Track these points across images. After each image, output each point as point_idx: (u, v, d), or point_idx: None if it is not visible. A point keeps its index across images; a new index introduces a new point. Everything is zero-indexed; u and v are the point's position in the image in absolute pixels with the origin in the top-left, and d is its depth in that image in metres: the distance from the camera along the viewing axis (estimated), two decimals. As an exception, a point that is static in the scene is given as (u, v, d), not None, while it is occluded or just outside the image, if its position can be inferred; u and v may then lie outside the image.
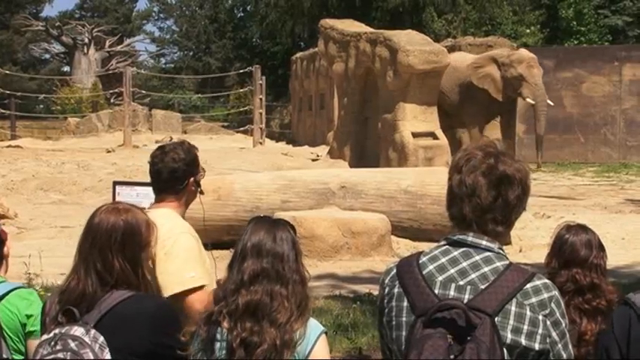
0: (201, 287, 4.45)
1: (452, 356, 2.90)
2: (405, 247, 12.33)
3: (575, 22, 38.90)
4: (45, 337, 3.46)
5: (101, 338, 3.42)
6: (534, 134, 26.63)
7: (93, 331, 3.44)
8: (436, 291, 3.10)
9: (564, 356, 3.12)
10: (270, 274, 3.47)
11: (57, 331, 3.45)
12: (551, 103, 23.21)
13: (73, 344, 3.39)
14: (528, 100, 22.45)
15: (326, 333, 3.54)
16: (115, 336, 3.45)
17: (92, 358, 3.37)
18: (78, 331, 3.44)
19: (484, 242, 3.16)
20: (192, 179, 4.85)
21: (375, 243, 12.10)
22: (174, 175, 4.80)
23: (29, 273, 9.42)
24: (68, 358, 3.36)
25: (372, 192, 13.25)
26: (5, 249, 4.48)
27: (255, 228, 3.56)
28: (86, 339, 3.41)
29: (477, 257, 3.15)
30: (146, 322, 3.53)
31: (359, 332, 7.60)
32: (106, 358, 3.40)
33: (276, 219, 3.66)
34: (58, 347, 3.39)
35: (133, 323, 3.53)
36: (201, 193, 5.01)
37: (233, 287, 3.46)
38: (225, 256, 3.82)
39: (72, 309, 3.50)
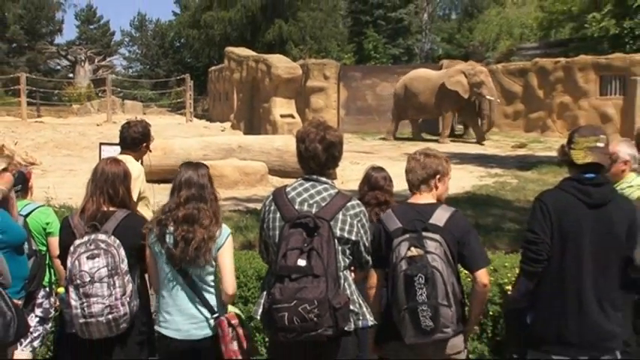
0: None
1: (305, 244, 2.95)
2: (277, 182, 12.28)
3: (373, 52, 39.43)
4: (79, 241, 3.39)
5: (117, 241, 3.40)
6: (354, 115, 26.74)
7: (112, 237, 3.40)
8: (296, 207, 3.14)
9: (367, 244, 3.19)
10: (197, 197, 3.41)
11: (88, 237, 3.39)
12: (499, 101, 21.71)
13: (102, 245, 3.36)
14: (488, 97, 20.76)
15: (231, 234, 3.50)
16: (122, 239, 3.42)
17: (115, 252, 3.35)
18: (102, 237, 3.39)
19: (323, 179, 3.22)
20: (144, 144, 4.79)
21: (259, 179, 12.08)
22: (135, 141, 4.77)
23: (48, 197, 9.00)
24: (102, 253, 3.33)
25: (257, 149, 13.15)
26: (30, 183, 4.44)
27: (185, 169, 3.50)
28: (109, 241, 3.38)
29: (320, 187, 3.20)
30: (138, 230, 3.49)
31: (249, 231, 7.59)
32: (122, 252, 3.38)
33: (198, 162, 3.60)
34: (92, 247, 3.35)
35: (133, 231, 3.48)
36: (150, 151, 4.95)
37: (174, 206, 3.41)
38: (168, 187, 3.70)
39: (95, 224, 3.44)
